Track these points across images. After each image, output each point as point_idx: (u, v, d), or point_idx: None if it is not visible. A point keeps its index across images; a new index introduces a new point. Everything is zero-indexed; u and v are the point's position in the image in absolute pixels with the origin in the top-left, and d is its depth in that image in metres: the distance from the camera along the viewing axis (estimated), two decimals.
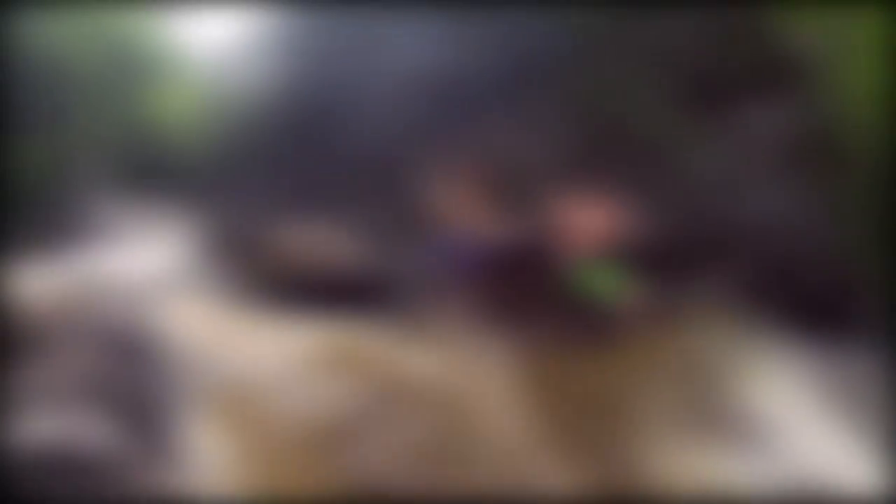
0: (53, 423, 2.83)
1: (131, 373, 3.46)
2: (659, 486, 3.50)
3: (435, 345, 4.10)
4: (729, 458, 3.73)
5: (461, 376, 3.91)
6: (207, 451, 3.42)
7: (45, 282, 3.60)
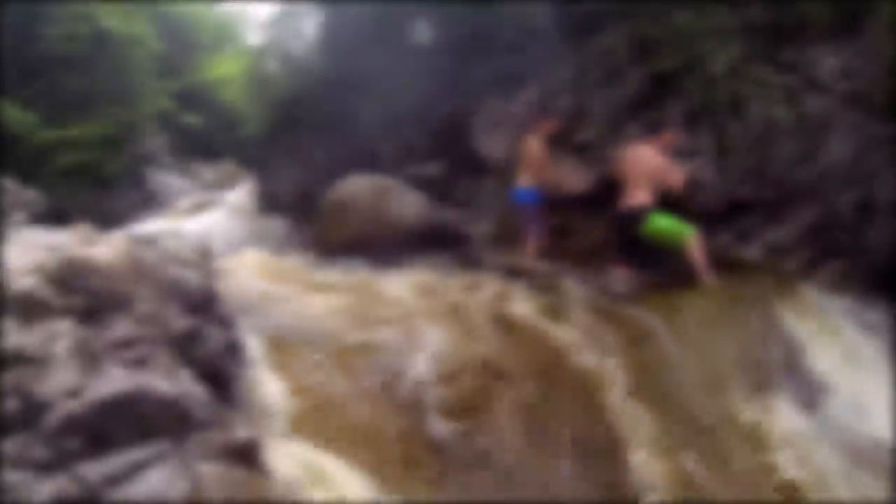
0: (125, 372, 2.91)
1: (199, 324, 3.55)
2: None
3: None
4: (786, 407, 3.74)
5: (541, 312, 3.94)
6: (269, 396, 3.47)
7: (116, 243, 3.67)
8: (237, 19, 37.78)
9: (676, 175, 6.57)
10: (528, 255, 7.12)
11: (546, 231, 7.28)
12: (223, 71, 25.42)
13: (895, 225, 10.05)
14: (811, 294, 8.37)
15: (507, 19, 10.33)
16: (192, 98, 29.47)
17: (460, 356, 4.59)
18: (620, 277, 6.68)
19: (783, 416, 5.24)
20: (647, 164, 6.54)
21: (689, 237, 6.45)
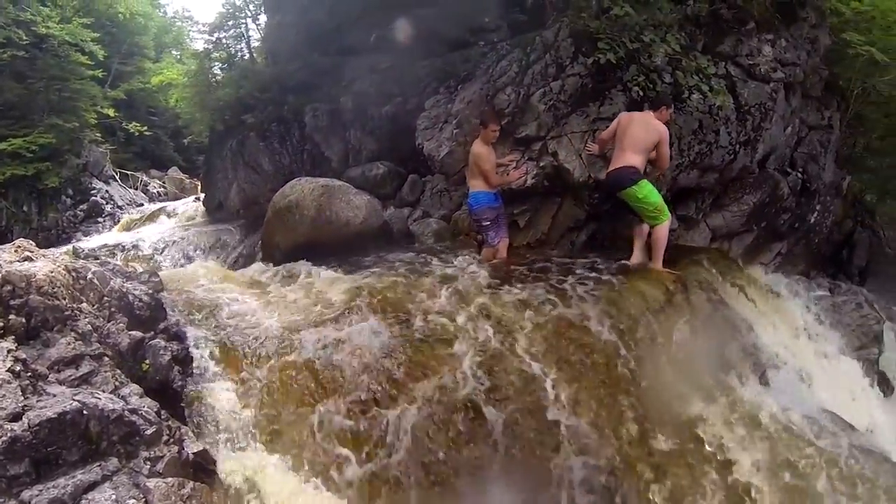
0: (69, 391, 2.83)
1: (146, 338, 3.49)
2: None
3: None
4: (738, 384, 3.83)
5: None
6: (219, 407, 3.42)
7: (56, 258, 3.58)
8: (180, 23, 37.18)
9: (666, 156, 6.58)
10: (487, 258, 7.08)
11: (506, 231, 7.24)
12: (167, 77, 24.95)
13: (834, 205, 10.45)
14: (757, 275, 8.59)
15: (451, 18, 10.35)
16: (136, 105, 28.84)
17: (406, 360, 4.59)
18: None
19: (736, 393, 5.39)
20: (647, 131, 6.45)
21: (665, 220, 6.49)
